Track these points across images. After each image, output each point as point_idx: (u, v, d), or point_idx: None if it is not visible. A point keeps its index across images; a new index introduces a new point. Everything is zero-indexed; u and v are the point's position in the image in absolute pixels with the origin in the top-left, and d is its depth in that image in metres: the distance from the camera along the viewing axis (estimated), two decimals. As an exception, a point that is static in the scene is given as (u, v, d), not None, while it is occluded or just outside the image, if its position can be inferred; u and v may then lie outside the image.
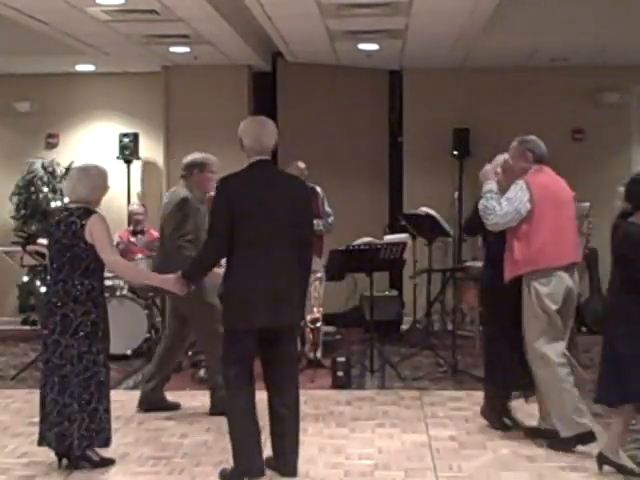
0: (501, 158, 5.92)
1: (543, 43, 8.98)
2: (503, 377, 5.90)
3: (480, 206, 5.65)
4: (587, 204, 7.72)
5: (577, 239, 5.91)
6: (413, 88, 10.42)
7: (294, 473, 5.01)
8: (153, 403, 6.53)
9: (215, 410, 6.26)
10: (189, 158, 6.53)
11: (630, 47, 9.04)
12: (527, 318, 5.61)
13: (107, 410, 5.17)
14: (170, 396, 6.90)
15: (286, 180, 5.10)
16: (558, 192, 5.73)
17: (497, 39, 8.74)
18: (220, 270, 5.09)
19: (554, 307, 5.52)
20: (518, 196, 5.56)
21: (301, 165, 8.15)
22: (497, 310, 5.85)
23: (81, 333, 5.06)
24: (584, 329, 9.90)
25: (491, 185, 5.69)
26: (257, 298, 4.79)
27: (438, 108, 10.23)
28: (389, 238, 8.49)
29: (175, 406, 6.60)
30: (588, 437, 5.46)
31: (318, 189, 8.19)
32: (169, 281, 5.12)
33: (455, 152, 10.11)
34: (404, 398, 6.83)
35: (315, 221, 7.79)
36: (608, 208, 9.82)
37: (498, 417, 5.98)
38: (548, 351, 5.52)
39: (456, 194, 10.04)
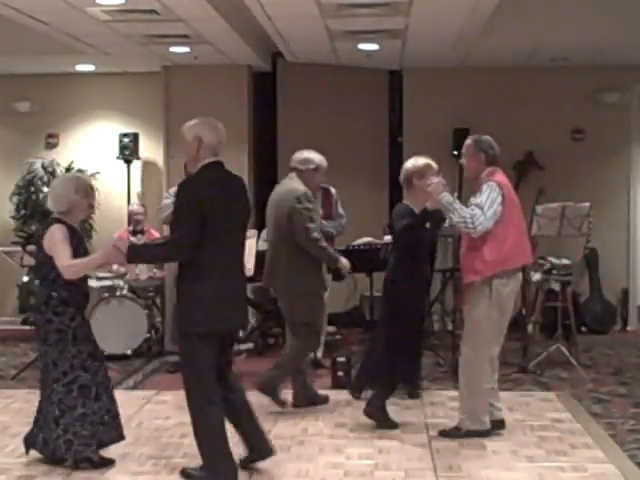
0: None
1: (543, 43, 8.98)
2: (403, 376, 6.09)
3: (458, 219, 5.54)
4: (587, 204, 7.71)
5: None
6: (413, 88, 10.42)
7: (273, 449, 5.17)
8: (308, 399, 6.65)
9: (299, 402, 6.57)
10: (305, 154, 6.66)
11: (630, 47, 9.04)
12: (478, 320, 5.63)
13: (97, 412, 5.14)
14: (170, 396, 6.92)
15: (238, 180, 5.08)
16: (514, 193, 5.81)
17: (497, 39, 8.74)
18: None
19: (511, 307, 5.66)
20: (493, 197, 5.57)
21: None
22: (404, 310, 5.93)
23: (50, 341, 5.13)
24: (584, 329, 9.91)
25: (449, 196, 5.66)
26: (233, 299, 4.85)
27: (438, 108, 10.24)
28: (389, 238, 8.47)
29: (325, 399, 6.73)
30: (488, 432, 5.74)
31: (332, 190, 7.98)
32: (109, 254, 4.97)
33: (455, 152, 10.08)
34: (404, 398, 6.82)
35: (326, 223, 7.75)
36: (608, 208, 9.91)
37: (387, 416, 6.08)
38: (493, 354, 5.69)
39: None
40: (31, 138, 10.60)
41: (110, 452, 5.35)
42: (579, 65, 9.94)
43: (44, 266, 5.16)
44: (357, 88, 10.36)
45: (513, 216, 5.64)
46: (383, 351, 6.02)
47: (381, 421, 6.04)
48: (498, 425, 5.84)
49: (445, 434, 5.82)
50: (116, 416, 5.25)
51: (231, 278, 4.84)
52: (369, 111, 10.47)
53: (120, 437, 5.30)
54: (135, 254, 4.92)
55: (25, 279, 9.67)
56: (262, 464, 5.20)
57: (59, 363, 5.11)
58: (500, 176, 5.75)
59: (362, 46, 9.09)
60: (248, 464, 5.14)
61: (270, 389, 6.44)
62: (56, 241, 5.10)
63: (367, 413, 6.05)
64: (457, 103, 10.22)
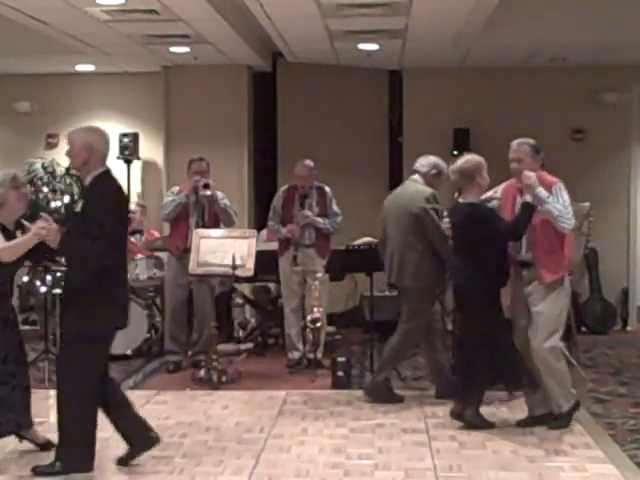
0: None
1: (543, 43, 8.98)
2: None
3: (558, 213, 5.71)
4: (587, 204, 7.72)
5: None
6: (413, 88, 10.42)
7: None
8: (381, 393, 6.76)
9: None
10: (431, 159, 6.93)
11: (630, 47, 9.04)
12: (557, 314, 5.86)
13: None
14: (170, 396, 6.92)
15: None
16: None
17: (497, 39, 8.74)
18: None
19: None
20: (567, 198, 5.81)
21: (310, 164, 8.12)
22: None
23: None
24: (584, 329, 9.91)
25: (543, 190, 5.76)
26: (125, 301, 5.24)
27: (438, 108, 10.24)
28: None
29: (400, 399, 6.79)
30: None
31: (327, 189, 8.16)
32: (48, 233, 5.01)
33: (455, 152, 10.09)
34: (404, 398, 6.82)
35: (321, 220, 8.01)
36: (608, 208, 9.91)
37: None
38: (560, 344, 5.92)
39: (456, 194, 10.02)
40: (31, 138, 10.60)
41: (110, 452, 5.34)
42: (579, 65, 9.94)
43: None
44: (357, 88, 10.36)
45: None
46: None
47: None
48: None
49: (554, 424, 5.91)
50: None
51: (125, 282, 5.25)
52: (369, 111, 10.47)
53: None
54: (65, 247, 5.03)
55: (25, 279, 9.69)
56: (262, 464, 5.20)
57: None
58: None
59: (362, 46, 9.09)
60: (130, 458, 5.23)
61: (385, 391, 6.76)
62: None
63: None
64: (457, 103, 10.22)
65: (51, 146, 10.66)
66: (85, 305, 4.94)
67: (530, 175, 5.79)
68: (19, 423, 5.33)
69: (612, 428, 6.04)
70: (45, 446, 5.43)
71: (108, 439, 5.77)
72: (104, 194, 4.96)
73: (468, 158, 6.15)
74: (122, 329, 5.22)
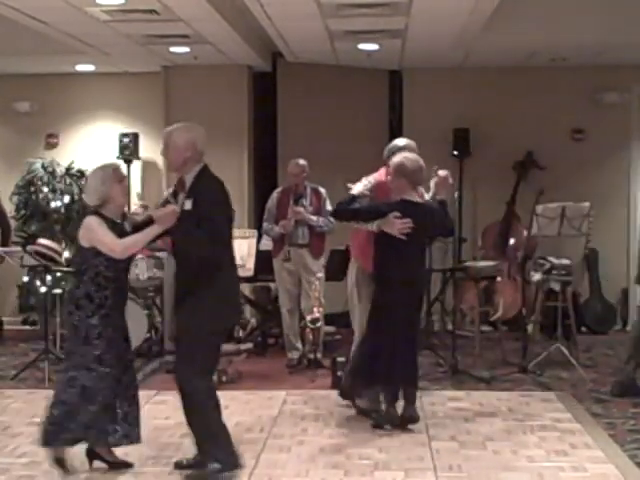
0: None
1: (543, 43, 8.97)
2: None
3: None
4: (587, 204, 7.71)
5: None
6: (413, 88, 10.42)
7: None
8: (630, 388, 6.86)
9: None
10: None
11: (630, 47, 9.04)
12: None
13: (87, 412, 4.95)
14: (170, 396, 6.90)
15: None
16: None
17: (497, 39, 8.74)
18: None
19: None
20: None
21: (302, 162, 8.15)
22: None
23: (67, 335, 5.10)
24: (584, 329, 9.91)
25: None
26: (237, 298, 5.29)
27: (438, 108, 10.24)
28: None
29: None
30: None
31: (321, 190, 8.21)
32: (165, 217, 4.93)
33: (455, 152, 10.11)
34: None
35: (315, 218, 8.04)
36: (608, 208, 9.91)
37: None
38: None
39: (456, 194, 10.04)
40: (31, 138, 10.59)
41: (110, 452, 5.35)
42: (579, 65, 9.94)
43: (80, 263, 5.05)
44: (357, 88, 10.35)
45: None
46: None
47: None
48: None
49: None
50: (108, 417, 5.02)
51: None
52: (369, 111, 10.47)
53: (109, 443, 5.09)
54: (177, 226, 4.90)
55: (25, 279, 9.69)
56: (262, 464, 5.20)
57: (71, 358, 5.03)
58: None
59: (362, 46, 9.08)
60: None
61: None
62: (93, 229, 4.97)
63: None
64: (457, 103, 10.22)
65: (51, 146, 10.65)
66: (199, 301, 4.86)
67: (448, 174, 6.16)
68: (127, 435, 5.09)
69: (612, 428, 6.05)
70: (116, 465, 5.21)
71: (108, 439, 5.79)
72: (211, 191, 4.93)
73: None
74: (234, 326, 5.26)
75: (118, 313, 5.10)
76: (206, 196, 4.89)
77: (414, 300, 6.17)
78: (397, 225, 5.87)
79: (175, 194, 5.24)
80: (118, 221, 5.09)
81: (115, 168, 5.16)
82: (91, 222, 5.00)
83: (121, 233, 5.02)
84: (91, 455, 5.19)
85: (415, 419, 6.00)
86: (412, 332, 6.10)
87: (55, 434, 4.94)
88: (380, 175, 6.30)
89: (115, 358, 5.01)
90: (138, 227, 5.05)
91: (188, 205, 4.91)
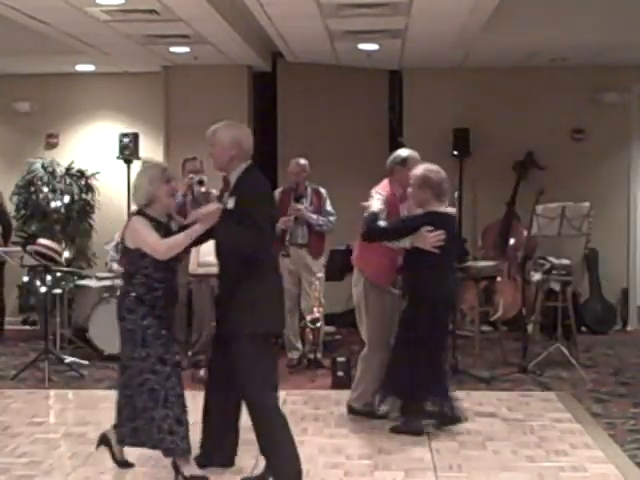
0: None
1: (543, 43, 8.97)
2: None
3: None
4: (587, 204, 7.71)
5: None
6: (413, 88, 10.42)
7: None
8: None
9: None
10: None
11: (630, 47, 9.04)
12: None
13: (166, 418, 4.86)
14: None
15: None
16: None
17: (497, 39, 8.74)
18: None
19: None
20: None
21: (302, 161, 8.14)
22: None
23: (123, 340, 4.97)
24: (584, 329, 9.91)
25: None
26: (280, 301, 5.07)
27: (438, 108, 10.24)
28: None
29: None
30: None
31: (322, 190, 8.21)
32: (207, 216, 4.83)
33: (455, 152, 10.11)
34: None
35: (315, 216, 8.04)
36: (608, 208, 9.91)
37: None
38: None
39: (456, 194, 10.02)
40: (31, 138, 10.59)
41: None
42: (579, 65, 9.94)
43: (128, 265, 4.98)
44: (357, 88, 10.35)
45: None
46: None
47: None
48: None
49: None
50: (183, 425, 4.93)
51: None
52: (369, 111, 10.47)
53: (187, 450, 4.95)
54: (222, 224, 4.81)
55: (25, 279, 9.69)
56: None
57: (131, 363, 4.92)
58: None
59: (362, 46, 9.08)
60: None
61: None
62: (137, 230, 4.89)
63: None
64: (457, 103, 10.22)
65: (51, 146, 10.65)
66: (245, 301, 4.78)
67: None
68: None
69: (612, 428, 6.05)
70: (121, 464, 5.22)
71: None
72: (254, 188, 4.86)
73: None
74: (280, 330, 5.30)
75: (169, 314, 5.00)
76: (248, 195, 4.81)
77: (449, 312, 6.21)
78: (430, 239, 5.75)
79: (222, 194, 5.20)
80: (163, 221, 5.00)
81: (164, 168, 5.08)
82: (136, 223, 4.91)
83: (167, 233, 4.92)
84: (104, 441, 5.19)
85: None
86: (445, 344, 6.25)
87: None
88: (386, 187, 6.18)
89: (173, 357, 4.95)
90: (184, 228, 4.97)
91: (231, 204, 4.85)
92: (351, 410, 6.36)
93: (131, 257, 4.93)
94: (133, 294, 4.89)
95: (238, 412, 5.12)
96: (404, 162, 6.16)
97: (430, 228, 5.75)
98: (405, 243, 5.85)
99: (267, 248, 4.89)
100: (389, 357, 5.99)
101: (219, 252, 5.00)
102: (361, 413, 6.26)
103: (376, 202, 6.03)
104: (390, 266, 6.08)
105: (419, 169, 5.91)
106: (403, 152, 6.31)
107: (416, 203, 5.96)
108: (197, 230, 4.82)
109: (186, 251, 5.25)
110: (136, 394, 4.91)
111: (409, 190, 5.95)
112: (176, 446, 4.87)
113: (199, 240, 4.96)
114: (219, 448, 5.16)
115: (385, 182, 6.23)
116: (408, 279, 5.98)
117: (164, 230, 4.93)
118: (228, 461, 5.17)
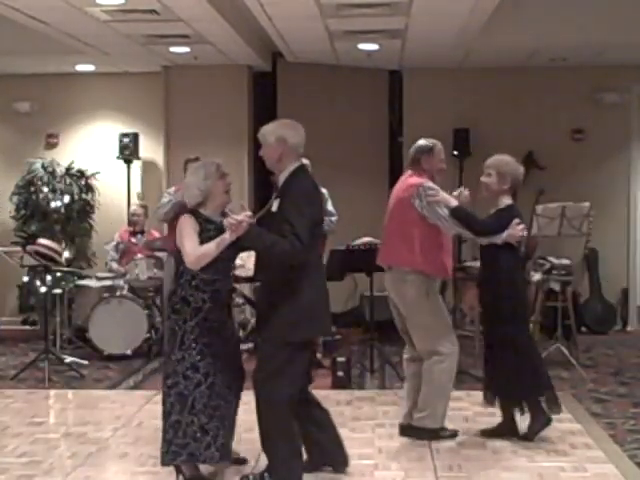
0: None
1: (543, 43, 8.98)
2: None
3: None
4: (587, 204, 7.71)
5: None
6: (413, 88, 10.42)
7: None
8: None
9: None
10: None
11: (630, 47, 9.04)
12: None
13: (190, 424, 4.79)
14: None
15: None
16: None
17: (497, 39, 8.74)
18: None
19: None
20: None
21: (304, 161, 8.12)
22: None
23: (165, 338, 4.91)
24: (584, 329, 9.91)
25: None
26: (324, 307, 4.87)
27: (438, 108, 10.23)
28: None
29: None
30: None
31: (323, 190, 8.18)
32: (236, 225, 4.59)
33: (455, 152, 10.11)
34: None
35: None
36: (608, 208, 9.91)
37: None
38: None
39: (455, 193, 10.03)
40: (31, 138, 10.59)
41: (110, 452, 5.34)
42: (579, 65, 9.94)
43: (178, 264, 4.87)
44: (357, 88, 10.35)
45: None
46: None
47: None
48: None
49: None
50: (207, 434, 4.80)
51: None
52: (369, 111, 10.47)
53: (212, 458, 4.81)
54: (254, 233, 4.62)
55: (25, 279, 9.69)
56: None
57: (167, 364, 4.87)
58: None
59: (362, 46, 9.09)
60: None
61: None
62: (181, 229, 4.75)
63: None
64: (457, 103, 10.22)
65: (51, 146, 10.65)
66: (283, 309, 4.63)
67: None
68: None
69: (612, 428, 6.04)
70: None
71: (108, 439, 5.79)
72: (297, 192, 4.69)
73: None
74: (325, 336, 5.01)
75: (217, 318, 4.84)
76: (291, 197, 4.67)
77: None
78: (518, 232, 5.68)
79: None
80: (217, 220, 4.80)
81: (218, 164, 4.89)
82: (183, 222, 4.78)
83: (219, 233, 4.71)
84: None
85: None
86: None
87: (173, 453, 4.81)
88: (422, 177, 6.01)
89: (213, 366, 4.79)
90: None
91: (275, 206, 4.71)
92: (409, 431, 5.84)
93: (179, 256, 4.81)
94: (181, 293, 4.78)
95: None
96: (431, 150, 6.08)
97: (518, 221, 5.73)
98: (499, 239, 5.72)
99: (306, 254, 4.62)
100: (490, 361, 5.89)
101: (257, 258, 4.89)
102: (426, 434, 5.74)
103: (443, 194, 5.96)
104: (449, 256, 5.97)
105: (504, 160, 6.00)
106: (426, 141, 6.18)
107: (490, 192, 5.93)
108: (226, 239, 4.63)
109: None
110: (165, 394, 4.89)
111: (482, 178, 5.95)
112: (199, 454, 4.77)
113: (241, 248, 4.80)
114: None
115: (410, 173, 6.09)
116: (499, 279, 5.74)
117: (218, 230, 4.72)
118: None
